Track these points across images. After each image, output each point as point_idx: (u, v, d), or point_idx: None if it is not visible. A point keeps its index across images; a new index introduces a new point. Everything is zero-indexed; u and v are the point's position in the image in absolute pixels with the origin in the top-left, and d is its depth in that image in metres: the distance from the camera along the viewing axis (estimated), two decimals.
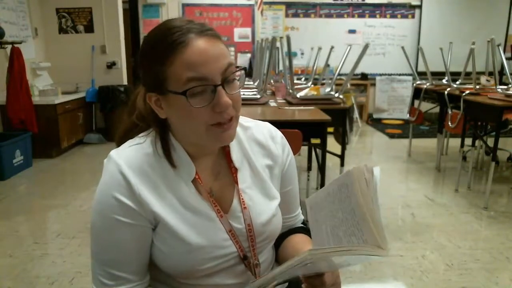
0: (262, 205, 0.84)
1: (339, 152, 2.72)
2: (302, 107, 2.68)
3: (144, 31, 6.21)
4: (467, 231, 2.61)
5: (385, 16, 6.56)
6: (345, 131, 2.73)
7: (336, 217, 0.67)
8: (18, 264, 2.20)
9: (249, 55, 6.29)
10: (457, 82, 3.92)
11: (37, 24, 4.88)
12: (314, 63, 4.50)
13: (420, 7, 6.48)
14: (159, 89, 0.71)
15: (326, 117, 2.34)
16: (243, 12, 6.42)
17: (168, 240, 0.74)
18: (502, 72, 4.39)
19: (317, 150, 3.18)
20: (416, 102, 4.30)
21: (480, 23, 6.31)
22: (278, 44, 3.74)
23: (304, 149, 3.70)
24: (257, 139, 0.87)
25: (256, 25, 6.46)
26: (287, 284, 0.90)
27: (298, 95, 2.92)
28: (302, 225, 0.98)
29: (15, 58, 3.91)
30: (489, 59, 3.25)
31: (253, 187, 0.84)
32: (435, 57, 4.40)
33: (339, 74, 3.21)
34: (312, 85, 3.79)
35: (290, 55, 2.93)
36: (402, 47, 4.48)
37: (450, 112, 3.52)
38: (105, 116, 5.12)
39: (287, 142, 0.91)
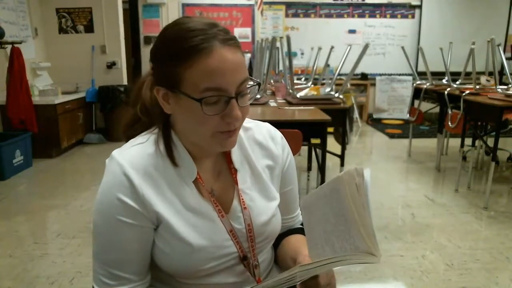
0: (262, 205, 0.84)
1: (339, 152, 2.72)
2: (302, 107, 2.68)
3: (144, 31, 6.21)
4: (467, 231, 2.61)
5: (385, 16, 6.56)
6: (345, 131, 2.73)
7: (328, 221, 0.67)
8: (18, 264, 2.20)
9: (249, 55, 6.28)
10: (457, 82, 3.92)
11: (37, 24, 4.88)
12: (314, 63, 4.50)
13: (420, 7, 6.48)
14: (171, 87, 0.70)
15: (326, 117, 2.34)
16: (243, 12, 6.42)
17: (169, 241, 0.75)
18: (502, 72, 4.39)
19: (317, 150, 3.18)
20: (416, 102, 4.30)
21: (480, 23, 6.31)
22: (278, 44, 3.74)
23: (304, 149, 3.71)
24: (257, 139, 0.87)
25: (256, 25, 6.46)
26: None
27: (298, 95, 2.92)
28: (301, 225, 0.98)
29: (15, 58, 3.91)
30: (489, 59, 3.25)
31: (253, 188, 0.84)
32: (435, 57, 4.40)
33: (339, 74, 3.21)
34: (312, 85, 3.79)
35: (290, 55, 2.93)
36: (402, 47, 4.48)
37: (450, 112, 3.52)
38: (105, 116, 5.12)
39: (286, 143, 0.92)
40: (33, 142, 4.06)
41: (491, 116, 3.03)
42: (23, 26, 4.53)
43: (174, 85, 0.69)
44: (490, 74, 3.62)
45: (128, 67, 5.62)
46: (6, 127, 4.14)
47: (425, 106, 4.32)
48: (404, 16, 6.57)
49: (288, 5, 6.50)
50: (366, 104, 6.74)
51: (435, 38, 6.06)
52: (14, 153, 3.76)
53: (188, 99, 0.68)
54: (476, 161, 3.99)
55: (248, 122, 0.88)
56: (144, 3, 6.12)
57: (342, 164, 2.77)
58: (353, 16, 6.55)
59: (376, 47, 6.62)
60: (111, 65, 5.21)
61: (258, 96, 2.92)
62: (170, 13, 6.19)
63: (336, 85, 3.16)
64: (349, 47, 3.28)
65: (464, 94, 3.29)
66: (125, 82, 5.30)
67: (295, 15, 6.53)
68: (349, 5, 6.51)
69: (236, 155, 0.83)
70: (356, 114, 6.37)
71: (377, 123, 6.52)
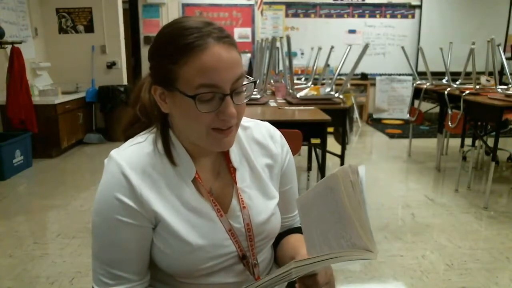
0: (261, 204, 0.84)
1: (339, 152, 2.72)
2: (302, 107, 2.68)
3: (144, 31, 6.21)
4: (467, 231, 2.61)
5: (385, 16, 6.56)
6: (345, 131, 2.73)
7: (324, 219, 0.67)
8: (18, 264, 2.20)
9: (249, 55, 6.29)
10: (457, 82, 3.92)
11: (37, 24, 4.88)
12: (314, 63, 4.50)
13: (420, 7, 6.48)
14: (167, 85, 0.71)
15: (326, 117, 2.34)
16: (243, 12, 6.42)
17: (168, 240, 0.75)
18: (502, 72, 4.39)
19: (317, 150, 3.18)
20: (416, 102, 4.30)
21: (480, 23, 6.31)
22: (278, 44, 3.74)
23: (304, 149, 3.71)
24: (256, 138, 0.87)
25: (256, 25, 6.46)
26: (285, 284, 0.90)
27: (298, 95, 2.92)
28: (300, 225, 0.98)
29: (15, 58, 3.91)
30: (489, 59, 3.25)
31: (252, 187, 0.84)
32: (435, 57, 4.40)
33: (339, 74, 3.21)
34: (312, 85, 3.79)
35: (290, 55, 2.93)
36: (402, 47, 4.48)
37: (450, 112, 3.52)
38: (105, 116, 5.12)
39: (286, 141, 0.92)
40: (33, 142, 4.06)
41: (491, 116, 3.03)
42: (23, 26, 4.53)
43: (170, 83, 0.70)
44: (490, 74, 3.62)
45: (128, 67, 5.63)
46: (6, 127, 4.14)
47: (425, 106, 4.32)
48: (404, 16, 6.57)
49: (288, 5, 6.50)
50: (366, 104, 6.74)
51: (435, 38, 6.06)
52: (14, 153, 3.76)
53: (183, 96, 0.68)
54: (476, 161, 3.99)
55: (247, 121, 0.88)
56: (144, 3, 6.12)
57: (342, 164, 2.77)
58: (353, 16, 6.55)
59: (376, 47, 6.62)
60: (111, 65, 5.22)
61: (258, 96, 2.92)
62: (170, 13, 6.19)
63: (336, 85, 3.16)
64: (349, 47, 3.28)
65: (464, 94, 3.29)
66: (125, 82, 5.30)
67: (295, 15, 6.53)
68: (349, 5, 6.51)
69: (235, 154, 0.84)
70: (356, 114, 6.37)
71: (377, 123, 6.52)
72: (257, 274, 0.83)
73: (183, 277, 0.78)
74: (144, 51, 6.23)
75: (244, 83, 0.72)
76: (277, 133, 0.91)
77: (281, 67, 4.34)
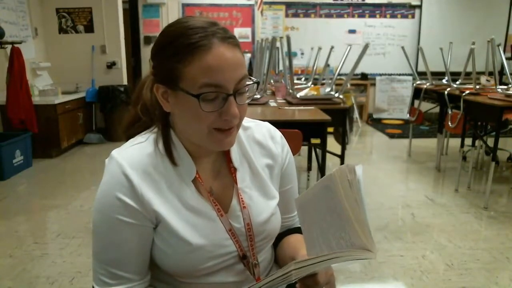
0: (261, 204, 0.84)
1: (339, 152, 2.72)
2: (302, 107, 2.68)
3: (144, 31, 6.21)
4: (467, 231, 2.61)
5: (385, 16, 6.56)
6: (345, 131, 2.73)
7: (324, 219, 0.67)
8: (18, 264, 2.20)
9: (249, 55, 6.28)
10: (457, 82, 3.92)
11: (37, 24, 4.88)
12: (314, 63, 4.50)
13: (420, 7, 6.48)
14: (170, 84, 0.71)
15: (326, 117, 2.34)
16: (243, 12, 6.42)
17: (169, 240, 0.75)
18: (502, 72, 4.39)
19: (317, 150, 3.18)
20: (416, 102, 4.30)
21: (480, 23, 6.31)
22: (278, 44, 3.74)
23: (304, 149, 3.71)
24: (256, 139, 0.87)
25: (256, 25, 6.46)
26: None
27: (298, 95, 2.92)
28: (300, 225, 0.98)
29: (15, 58, 3.91)
30: (489, 59, 3.25)
31: (252, 187, 0.84)
32: (435, 57, 4.40)
33: (339, 74, 3.21)
34: (312, 85, 3.79)
35: (290, 55, 2.93)
36: (402, 47, 4.48)
37: (450, 112, 3.52)
38: (105, 116, 5.12)
39: (286, 142, 0.92)
40: (33, 142, 4.06)
41: (491, 116, 3.03)
42: (23, 26, 4.53)
43: (173, 82, 0.70)
44: (490, 74, 3.62)
45: (128, 67, 5.63)
46: (6, 127, 4.14)
47: (425, 106, 4.32)
48: (404, 16, 6.57)
49: (288, 5, 6.50)
50: (366, 104, 6.74)
51: (435, 38, 6.06)
52: (14, 153, 3.76)
53: (187, 96, 0.68)
54: (476, 161, 3.99)
55: (247, 122, 0.89)
56: (144, 3, 6.12)
57: (342, 164, 2.77)
58: (353, 16, 6.55)
59: (376, 47, 6.62)
60: (111, 65, 5.22)
61: (258, 96, 2.93)
62: (170, 13, 6.19)
63: (336, 85, 3.16)
64: (349, 47, 3.28)
65: (464, 94, 3.29)
66: (125, 82, 5.30)
67: (295, 15, 6.53)
68: (349, 5, 6.51)
69: (235, 154, 0.84)
70: (356, 114, 6.37)
71: (377, 123, 6.52)
72: (257, 274, 0.83)
73: (184, 276, 0.78)
74: (144, 51, 6.23)
75: (247, 83, 0.73)
76: (277, 133, 0.91)
77: (281, 67, 4.34)
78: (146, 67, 6.19)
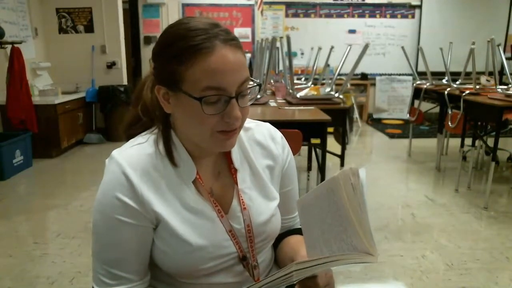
0: (262, 205, 0.84)
1: (339, 152, 2.72)
2: (302, 107, 2.68)
3: (144, 31, 6.21)
4: (467, 231, 2.61)
5: (385, 16, 6.56)
6: (345, 131, 2.73)
7: (325, 221, 0.67)
8: (18, 264, 2.20)
9: (249, 55, 6.28)
10: (457, 82, 3.92)
11: (37, 24, 4.88)
12: (314, 63, 4.50)
13: (420, 7, 6.48)
14: (172, 86, 0.70)
15: (326, 117, 2.34)
16: (243, 12, 6.42)
17: (169, 240, 0.75)
18: (502, 72, 4.39)
19: (317, 150, 3.18)
20: (416, 102, 4.30)
21: (480, 23, 6.31)
22: (278, 44, 3.74)
23: (304, 149, 3.71)
24: (257, 139, 0.87)
25: (256, 25, 6.46)
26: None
27: (298, 95, 2.92)
28: (301, 226, 0.98)
29: (15, 58, 3.91)
30: (489, 59, 3.25)
31: (252, 188, 0.84)
32: (435, 57, 4.40)
33: (339, 74, 3.21)
34: (312, 85, 3.79)
35: (290, 55, 2.93)
36: (402, 47, 4.48)
37: (450, 112, 3.52)
38: (105, 116, 5.12)
39: (286, 142, 0.92)
40: (33, 142, 4.06)
41: (491, 116, 3.03)
42: (23, 26, 4.53)
43: (175, 84, 0.70)
44: (490, 74, 3.62)
45: (128, 67, 5.62)
46: (6, 127, 4.14)
47: (425, 106, 4.32)
48: (404, 16, 6.57)
49: (288, 5, 6.50)
50: (366, 104, 6.74)
51: (435, 38, 6.06)
52: (14, 153, 3.76)
53: (188, 98, 0.68)
54: (476, 161, 3.99)
55: (248, 122, 0.88)
56: (144, 3, 6.12)
57: (342, 164, 2.77)
58: (353, 16, 6.55)
59: (376, 47, 6.62)
60: (111, 65, 5.21)
61: (258, 96, 2.92)
62: (170, 13, 6.19)
63: (336, 85, 3.16)
64: (349, 47, 3.28)
65: (464, 94, 3.29)
66: (125, 82, 5.30)
67: (295, 15, 6.53)
68: (349, 5, 6.51)
69: (236, 155, 0.83)
70: (356, 114, 6.38)
71: (377, 123, 6.52)
72: (256, 275, 0.83)
73: (183, 277, 0.78)
74: (144, 51, 6.23)
75: (249, 86, 0.72)
76: (278, 134, 0.91)
77: (281, 67, 4.34)
78: (146, 67, 6.19)
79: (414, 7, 6.52)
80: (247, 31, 6.47)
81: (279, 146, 0.89)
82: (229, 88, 0.68)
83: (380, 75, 6.73)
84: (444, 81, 4.27)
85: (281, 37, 4.06)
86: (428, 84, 4.20)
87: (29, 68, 4.50)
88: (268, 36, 5.32)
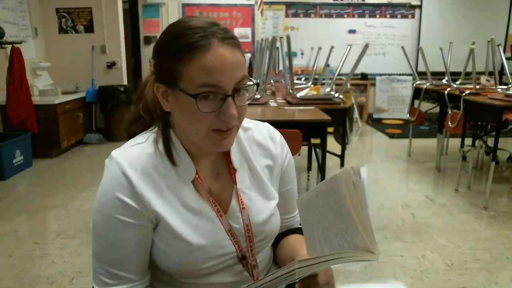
0: (261, 205, 0.84)
1: (339, 152, 2.72)
2: (302, 107, 2.68)
3: (144, 31, 6.21)
4: (467, 231, 2.61)
5: (385, 16, 6.56)
6: (345, 131, 2.73)
7: (326, 220, 0.67)
8: (18, 264, 2.20)
9: (249, 55, 6.28)
10: (457, 82, 3.92)
11: (37, 24, 4.88)
12: (314, 63, 4.50)
13: (420, 7, 6.48)
14: (169, 84, 0.71)
15: (326, 117, 2.34)
16: (243, 12, 6.42)
17: (169, 240, 0.75)
18: (502, 72, 4.39)
19: (317, 150, 3.18)
20: (416, 102, 4.30)
21: (480, 23, 6.31)
22: (278, 44, 3.74)
23: (304, 149, 3.70)
24: (256, 139, 0.87)
25: (256, 25, 6.46)
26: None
27: (298, 95, 2.92)
28: (300, 226, 0.98)
29: (15, 58, 3.91)
30: (489, 59, 3.25)
31: (251, 188, 0.84)
32: (435, 57, 4.41)
33: (339, 74, 3.21)
34: (312, 85, 3.79)
35: (290, 55, 2.93)
36: (402, 47, 4.48)
37: (450, 112, 3.52)
38: (105, 116, 5.12)
39: (285, 142, 0.92)
40: (33, 142, 4.06)
41: (491, 116, 3.03)
42: (23, 26, 4.53)
43: (172, 82, 0.70)
44: (490, 74, 3.62)
45: (128, 67, 5.62)
46: (6, 127, 4.14)
47: (425, 106, 4.32)
48: (404, 16, 6.57)
49: (288, 5, 6.50)
50: (366, 104, 6.74)
51: (435, 38, 6.06)
52: (14, 153, 3.76)
53: (185, 95, 0.68)
54: (476, 161, 3.99)
55: (247, 122, 0.89)
56: (144, 3, 6.12)
57: (342, 164, 2.77)
58: (353, 16, 6.55)
59: (376, 47, 6.62)
60: (111, 65, 5.21)
61: (258, 96, 2.92)
62: (170, 13, 6.19)
63: (336, 85, 3.16)
64: (349, 47, 3.28)
65: (464, 94, 3.29)
66: (125, 82, 5.30)
67: (295, 15, 6.53)
68: (349, 5, 6.51)
69: (235, 154, 0.84)
70: (356, 114, 6.38)
71: (377, 123, 6.52)
72: (256, 275, 0.83)
73: (183, 276, 0.78)
74: (144, 51, 6.23)
75: (247, 84, 0.72)
76: (277, 134, 0.91)
77: (281, 67, 4.34)
78: (146, 67, 6.19)
79: (414, 7, 6.52)
80: (247, 31, 6.47)
81: (278, 146, 0.89)
82: (225, 86, 0.68)
83: (380, 75, 6.73)
84: (444, 81, 4.27)
85: (281, 37, 4.06)
86: (428, 84, 4.20)
87: (29, 68, 4.50)
88: (268, 36, 5.32)
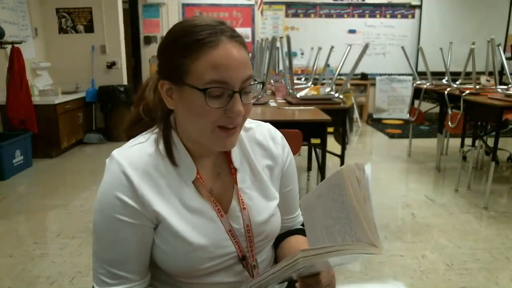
0: (261, 205, 0.84)
1: (339, 152, 2.72)
2: (302, 107, 2.68)
3: (144, 31, 6.21)
4: (467, 231, 2.61)
5: (385, 16, 6.56)
6: (345, 131, 2.73)
7: (329, 216, 0.67)
8: (18, 264, 2.20)
9: (249, 55, 6.28)
10: (457, 82, 3.92)
11: (37, 24, 4.88)
12: (314, 63, 4.50)
13: (420, 7, 6.48)
14: (176, 80, 0.71)
15: (326, 117, 2.34)
16: (243, 12, 6.42)
17: (169, 240, 0.75)
18: (502, 72, 4.39)
19: (317, 150, 3.18)
20: (416, 102, 4.30)
21: (480, 23, 6.32)
22: (278, 44, 3.74)
23: (304, 149, 3.71)
24: (257, 139, 0.87)
25: (256, 25, 6.46)
26: (286, 283, 0.90)
27: (298, 95, 2.92)
28: (301, 226, 0.98)
29: (15, 58, 3.91)
30: (489, 59, 3.25)
31: (252, 188, 0.84)
32: (435, 57, 4.40)
33: (339, 74, 3.21)
34: (312, 85, 3.79)
35: (290, 55, 2.93)
36: (402, 47, 4.48)
37: (450, 112, 3.52)
38: (105, 116, 5.12)
39: (287, 143, 0.92)
40: (33, 142, 4.06)
41: (491, 116, 3.03)
42: (23, 26, 4.53)
43: (179, 78, 0.70)
44: (490, 74, 3.62)
45: (128, 67, 5.62)
46: (6, 127, 4.14)
47: (425, 106, 4.32)
48: (404, 16, 6.57)
49: (288, 5, 6.50)
50: (366, 104, 6.74)
51: (435, 38, 6.06)
52: (14, 153, 3.76)
53: (192, 91, 0.69)
54: (476, 161, 3.99)
55: (249, 122, 0.89)
56: (144, 3, 6.12)
57: (342, 164, 2.77)
58: (353, 16, 6.55)
59: (376, 47, 6.62)
60: (111, 65, 5.22)
61: (259, 96, 2.92)
62: (170, 13, 6.19)
63: (336, 85, 3.16)
64: (349, 47, 3.28)
65: (464, 94, 3.29)
66: (125, 82, 5.30)
67: (295, 15, 6.53)
68: (349, 5, 6.51)
69: (236, 154, 0.84)
70: (356, 114, 6.38)
71: (377, 123, 6.52)
72: (256, 275, 0.82)
73: (183, 276, 0.78)
74: (144, 51, 6.23)
75: (252, 83, 0.73)
76: (278, 134, 0.91)
77: (281, 67, 4.33)
78: (146, 67, 6.19)
79: (414, 7, 6.52)
80: (247, 31, 6.46)
81: (279, 147, 0.89)
82: (233, 83, 0.69)
83: (380, 75, 6.73)
84: (444, 81, 4.27)
85: (281, 37, 4.06)
86: (428, 84, 4.20)
87: (29, 68, 4.50)
88: (268, 36, 5.33)
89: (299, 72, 6.08)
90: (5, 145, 3.61)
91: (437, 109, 4.14)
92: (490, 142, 3.12)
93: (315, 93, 3.00)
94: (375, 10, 6.54)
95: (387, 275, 2.11)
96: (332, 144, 2.89)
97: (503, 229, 2.62)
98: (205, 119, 0.70)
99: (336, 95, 2.95)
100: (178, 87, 0.71)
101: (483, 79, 3.64)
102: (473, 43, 3.30)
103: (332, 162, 3.72)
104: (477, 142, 3.73)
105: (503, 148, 4.10)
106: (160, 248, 0.75)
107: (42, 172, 3.94)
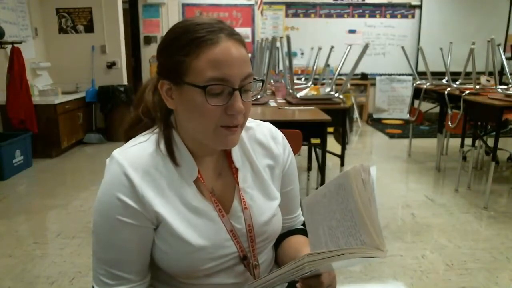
0: (263, 205, 0.84)
1: (339, 152, 2.72)
2: (302, 107, 2.68)
3: (144, 31, 6.21)
4: (467, 231, 2.61)
5: (385, 16, 6.56)
6: (345, 131, 2.73)
7: (333, 218, 0.67)
8: (18, 264, 2.20)
9: (249, 55, 6.28)
10: (457, 82, 3.92)
11: (37, 24, 4.88)
12: (314, 63, 4.50)
13: (420, 7, 6.48)
14: (176, 79, 0.71)
15: (326, 117, 2.34)
16: (243, 12, 6.42)
17: (169, 240, 0.75)
18: (502, 72, 4.39)
19: (317, 150, 3.18)
20: (416, 102, 4.29)
21: (480, 23, 6.31)
22: (278, 44, 3.74)
23: (304, 149, 3.70)
24: (258, 139, 0.87)
25: (256, 25, 6.46)
26: (286, 284, 0.90)
27: (298, 95, 2.92)
28: (302, 226, 0.98)
29: (15, 58, 3.91)
30: (489, 59, 3.25)
31: (253, 187, 0.84)
32: (435, 57, 4.40)
33: (339, 74, 3.21)
34: (312, 85, 3.79)
35: (290, 55, 2.93)
36: (402, 47, 4.48)
37: (450, 112, 3.52)
38: (105, 116, 5.12)
39: (287, 143, 0.92)
40: (33, 142, 4.06)
41: (491, 116, 3.03)
42: (23, 26, 4.53)
43: (179, 77, 0.70)
44: (490, 74, 3.62)
45: (128, 67, 5.62)
46: (6, 127, 4.14)
47: (425, 106, 4.32)
48: (404, 16, 6.57)
49: (288, 5, 6.50)
50: (366, 104, 6.74)
51: (435, 38, 6.06)
52: (14, 153, 3.76)
53: (193, 89, 0.69)
54: (476, 161, 3.99)
55: (249, 122, 0.88)
56: (144, 3, 6.12)
57: (342, 164, 2.77)
58: (353, 16, 6.55)
59: (376, 47, 6.62)
60: (111, 65, 5.21)
61: (258, 96, 2.92)
62: (170, 13, 6.18)
63: (336, 85, 3.16)
64: (349, 47, 3.27)
65: (464, 94, 3.29)
66: (125, 82, 5.30)
67: (295, 15, 6.53)
68: (349, 5, 6.51)
69: (237, 154, 0.84)
70: (356, 114, 6.38)
71: (377, 123, 6.52)
72: (257, 275, 0.82)
73: (184, 277, 0.78)
74: (144, 51, 6.23)
75: (252, 80, 0.73)
76: (279, 134, 0.91)
77: (281, 67, 4.33)
78: (146, 67, 6.19)
79: (414, 7, 6.52)
80: (247, 31, 6.46)
81: (280, 146, 0.89)
82: (233, 80, 0.69)
83: (380, 75, 6.73)
84: (444, 81, 4.27)
85: (281, 37, 4.06)
86: (428, 84, 4.20)
87: (29, 68, 4.49)
88: (268, 36, 5.32)
89: (299, 72, 6.08)
90: (5, 145, 3.61)
91: (437, 109, 4.14)
92: (490, 142, 3.12)
93: (315, 93, 3.00)
94: (375, 10, 6.54)
95: (387, 275, 2.10)
96: (332, 144, 2.89)
97: (503, 229, 2.62)
98: (206, 118, 0.70)
99: (336, 95, 2.95)
100: (178, 86, 0.71)
101: (483, 79, 3.64)
102: (473, 43, 3.30)
103: (332, 162, 3.72)
104: (477, 142, 3.73)
105: (503, 148, 4.10)
106: (160, 249, 0.75)
107: (42, 172, 3.94)
